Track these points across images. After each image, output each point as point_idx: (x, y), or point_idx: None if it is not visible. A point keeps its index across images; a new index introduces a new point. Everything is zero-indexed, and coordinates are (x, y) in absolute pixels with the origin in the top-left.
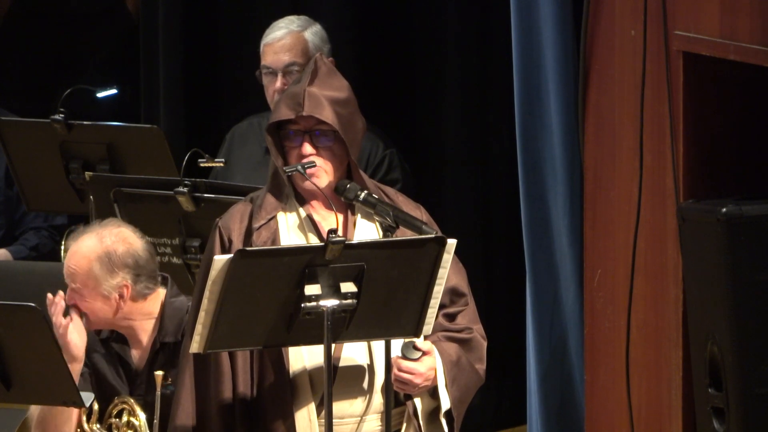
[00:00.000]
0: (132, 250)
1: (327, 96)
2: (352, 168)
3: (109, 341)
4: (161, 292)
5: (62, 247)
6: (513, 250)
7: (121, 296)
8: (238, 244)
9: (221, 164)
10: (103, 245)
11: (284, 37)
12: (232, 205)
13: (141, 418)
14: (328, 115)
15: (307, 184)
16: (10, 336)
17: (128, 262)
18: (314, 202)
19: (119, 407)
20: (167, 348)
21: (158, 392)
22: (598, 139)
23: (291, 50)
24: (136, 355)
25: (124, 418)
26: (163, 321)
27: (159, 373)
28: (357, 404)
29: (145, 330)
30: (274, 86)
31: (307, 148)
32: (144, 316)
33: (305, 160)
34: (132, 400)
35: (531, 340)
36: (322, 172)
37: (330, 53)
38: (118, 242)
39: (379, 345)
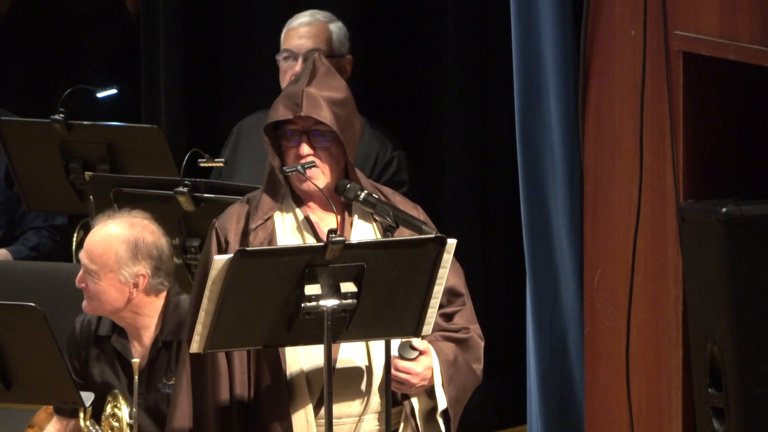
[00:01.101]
0: (159, 243)
1: (325, 96)
2: (349, 168)
3: (108, 339)
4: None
5: (73, 244)
6: (513, 250)
7: (135, 285)
8: (234, 244)
9: (221, 164)
10: (132, 231)
11: (310, 24)
12: (229, 206)
13: (124, 411)
14: (326, 115)
15: (306, 185)
16: (10, 336)
17: (153, 253)
18: (311, 203)
19: (111, 403)
20: (170, 347)
21: (135, 378)
22: (598, 139)
23: (315, 37)
24: (137, 353)
25: (108, 410)
26: (165, 319)
27: (136, 360)
28: (355, 405)
29: (147, 327)
30: (292, 71)
31: (305, 149)
32: (150, 312)
33: (305, 160)
34: (119, 394)
35: (531, 340)
36: (320, 173)
37: (349, 51)
38: (147, 232)
39: (377, 345)
